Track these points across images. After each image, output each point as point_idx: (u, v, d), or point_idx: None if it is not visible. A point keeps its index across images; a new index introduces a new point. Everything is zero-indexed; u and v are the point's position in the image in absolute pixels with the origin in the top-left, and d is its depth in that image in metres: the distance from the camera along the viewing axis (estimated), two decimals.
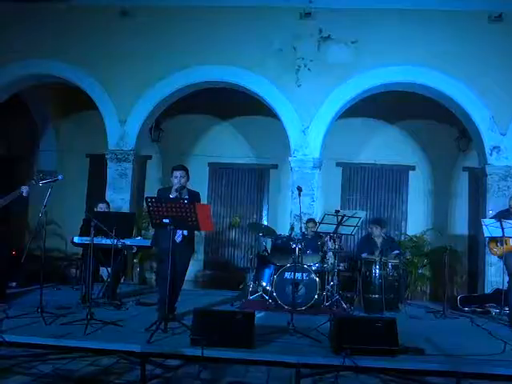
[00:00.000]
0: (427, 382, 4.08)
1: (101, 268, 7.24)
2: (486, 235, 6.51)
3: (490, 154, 8.38)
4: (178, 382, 3.96)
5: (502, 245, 6.57)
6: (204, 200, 10.12)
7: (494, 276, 7.77)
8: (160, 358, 4.39)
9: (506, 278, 6.73)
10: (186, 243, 5.73)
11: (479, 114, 8.39)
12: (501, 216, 6.60)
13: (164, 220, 5.08)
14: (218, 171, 10.85)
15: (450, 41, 8.40)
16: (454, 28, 8.42)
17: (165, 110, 9.40)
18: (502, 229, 6.29)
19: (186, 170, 5.81)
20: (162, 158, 10.74)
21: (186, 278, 10.15)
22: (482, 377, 4.24)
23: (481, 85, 8.37)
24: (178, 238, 5.61)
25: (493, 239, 6.65)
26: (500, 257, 6.69)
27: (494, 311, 7.12)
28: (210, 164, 10.76)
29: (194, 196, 5.82)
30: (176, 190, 5.59)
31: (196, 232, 5.96)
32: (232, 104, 10.07)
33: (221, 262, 10.69)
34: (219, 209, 10.71)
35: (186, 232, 5.62)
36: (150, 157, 10.46)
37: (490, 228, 6.36)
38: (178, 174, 5.69)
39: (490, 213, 7.01)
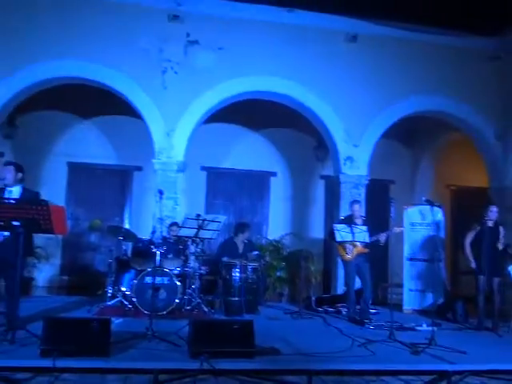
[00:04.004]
0: (282, 381, 4.23)
1: None
2: (337, 239, 6.93)
3: (344, 164, 8.98)
4: None
5: (351, 250, 7.06)
6: (62, 202, 9.62)
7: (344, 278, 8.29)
8: (7, 371, 4.08)
9: (357, 280, 7.27)
10: (15, 244, 5.03)
11: (334, 126, 8.96)
12: (345, 221, 7.11)
13: (13, 222, 4.74)
14: (78, 172, 10.34)
15: (310, 56, 8.87)
16: (313, 44, 8.89)
17: (20, 105, 8.75)
18: (352, 234, 6.77)
19: (14, 165, 5.45)
20: (15, 156, 9.96)
21: (43, 284, 9.64)
22: (332, 373, 4.51)
23: (337, 99, 8.94)
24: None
25: (341, 245, 7.11)
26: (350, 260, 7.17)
27: (344, 311, 7.61)
28: (69, 164, 10.24)
29: (29, 195, 5.45)
30: None
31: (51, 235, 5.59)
32: (94, 102, 9.65)
33: (79, 266, 10.19)
34: (78, 211, 10.23)
35: (7, 232, 5.15)
36: (1, 154, 9.68)
37: (341, 233, 6.80)
38: (3, 168, 5.39)
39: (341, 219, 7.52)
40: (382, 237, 6.98)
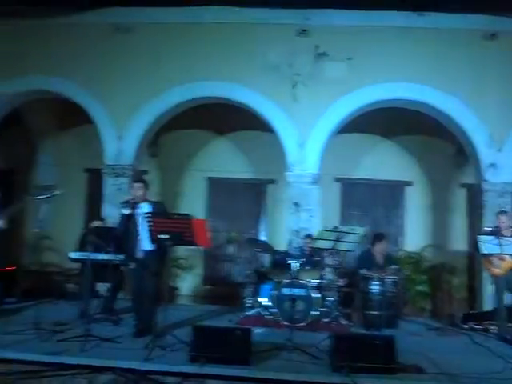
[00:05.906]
0: None
1: (98, 283, 7.18)
2: (482, 252, 6.42)
3: (487, 171, 8.41)
4: None
5: (497, 264, 6.50)
6: (202, 215, 10.12)
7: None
8: (158, 375, 4.35)
9: (508, 296, 6.71)
10: (154, 257, 5.66)
11: (476, 131, 8.44)
12: (492, 232, 6.55)
13: (161, 236, 5.08)
14: (216, 186, 10.84)
15: (446, 58, 8.48)
16: (449, 46, 8.50)
17: (163, 125, 9.41)
18: (500, 246, 6.23)
19: (144, 182, 5.91)
20: (159, 173, 10.73)
21: (186, 293, 10.21)
22: None
23: (477, 102, 8.42)
24: (138, 253, 5.73)
25: (486, 258, 6.59)
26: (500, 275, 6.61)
27: (492, 329, 7.05)
28: (207, 178, 10.76)
29: (157, 206, 5.84)
30: (126, 203, 5.69)
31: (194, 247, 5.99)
32: (229, 119, 10.11)
33: (219, 276, 10.65)
34: (217, 223, 10.69)
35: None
36: (147, 172, 10.44)
37: (487, 245, 6.30)
38: (135, 186, 5.86)
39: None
40: None
